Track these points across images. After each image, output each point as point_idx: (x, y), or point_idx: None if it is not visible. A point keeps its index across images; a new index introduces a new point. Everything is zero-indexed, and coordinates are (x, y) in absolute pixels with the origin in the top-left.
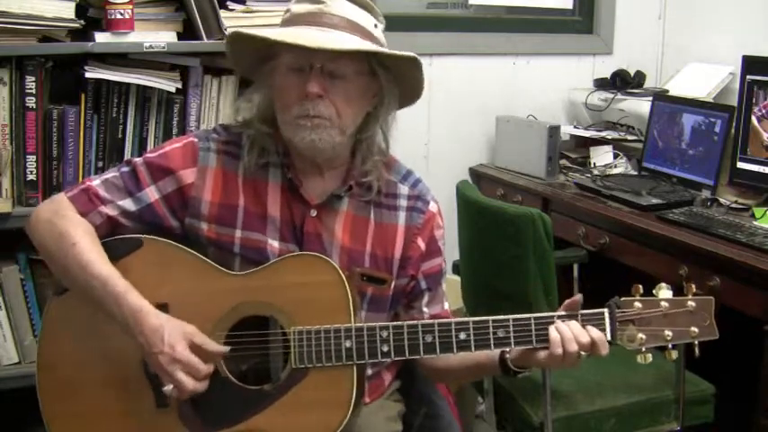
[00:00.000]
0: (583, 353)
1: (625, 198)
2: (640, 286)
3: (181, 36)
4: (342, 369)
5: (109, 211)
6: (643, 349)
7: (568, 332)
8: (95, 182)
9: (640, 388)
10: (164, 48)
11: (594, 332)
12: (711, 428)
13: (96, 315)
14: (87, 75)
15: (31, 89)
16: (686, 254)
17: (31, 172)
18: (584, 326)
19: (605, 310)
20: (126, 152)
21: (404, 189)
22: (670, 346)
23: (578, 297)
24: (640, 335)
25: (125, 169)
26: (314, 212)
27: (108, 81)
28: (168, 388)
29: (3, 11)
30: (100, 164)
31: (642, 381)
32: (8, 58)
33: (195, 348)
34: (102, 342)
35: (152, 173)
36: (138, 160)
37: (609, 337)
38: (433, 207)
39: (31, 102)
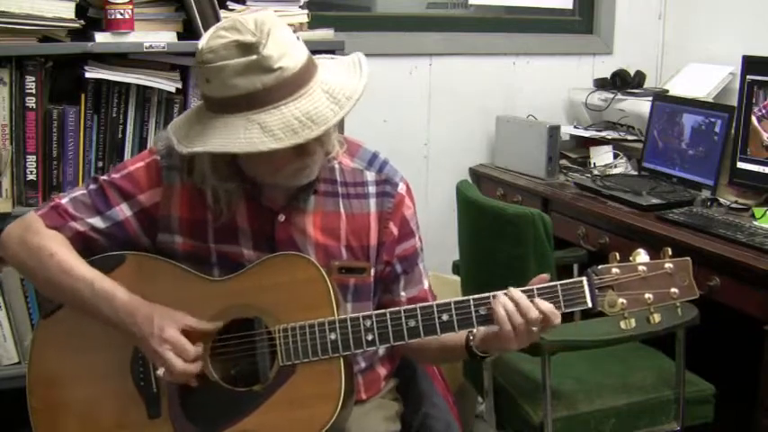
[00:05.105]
0: (533, 327)
1: (625, 198)
2: (617, 254)
3: (181, 36)
4: (329, 363)
5: (79, 226)
6: (625, 314)
7: (510, 304)
8: (64, 200)
9: (640, 388)
10: (164, 48)
11: (544, 305)
12: (711, 428)
13: (84, 332)
14: (87, 75)
15: (31, 89)
16: (686, 254)
17: (31, 172)
18: (532, 300)
19: (583, 278)
20: (126, 152)
21: (370, 176)
22: (651, 309)
23: (545, 276)
24: (621, 300)
25: (93, 187)
26: (282, 217)
27: (108, 81)
28: (160, 371)
29: (3, 11)
30: (100, 164)
31: (642, 381)
32: (8, 58)
33: (186, 333)
34: (91, 358)
35: (119, 193)
36: (104, 178)
37: (590, 304)
38: (401, 189)
39: (31, 102)
